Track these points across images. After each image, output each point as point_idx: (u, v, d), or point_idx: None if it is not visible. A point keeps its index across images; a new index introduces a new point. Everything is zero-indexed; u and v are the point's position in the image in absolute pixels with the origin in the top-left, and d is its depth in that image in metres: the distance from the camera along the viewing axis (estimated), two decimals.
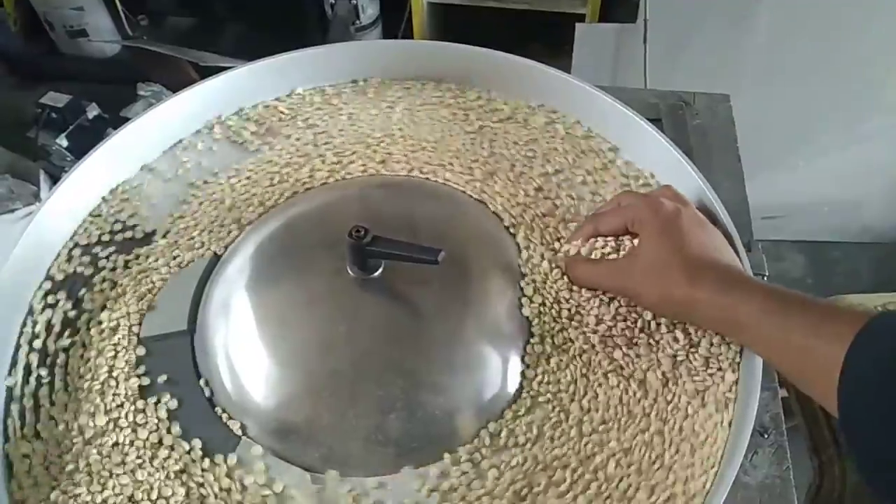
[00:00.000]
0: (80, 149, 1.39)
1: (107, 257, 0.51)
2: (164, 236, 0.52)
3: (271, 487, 0.41)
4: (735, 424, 0.44)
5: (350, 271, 0.45)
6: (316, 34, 1.47)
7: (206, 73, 1.41)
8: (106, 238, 0.53)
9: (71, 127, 1.36)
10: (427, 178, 0.54)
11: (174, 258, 0.50)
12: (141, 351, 0.46)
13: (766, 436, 0.66)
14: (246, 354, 0.45)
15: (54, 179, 1.42)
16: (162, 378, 0.45)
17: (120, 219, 0.54)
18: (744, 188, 0.79)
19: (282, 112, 0.60)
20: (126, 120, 1.51)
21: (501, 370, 0.45)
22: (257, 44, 0.65)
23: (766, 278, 0.51)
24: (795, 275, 1.38)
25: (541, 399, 0.43)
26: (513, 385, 0.44)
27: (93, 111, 1.40)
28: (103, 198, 0.56)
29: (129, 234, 0.53)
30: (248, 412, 0.44)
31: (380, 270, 0.46)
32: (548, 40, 1.34)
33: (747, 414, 0.42)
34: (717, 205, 0.49)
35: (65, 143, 1.35)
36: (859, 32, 1.19)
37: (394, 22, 1.44)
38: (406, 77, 0.63)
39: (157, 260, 0.50)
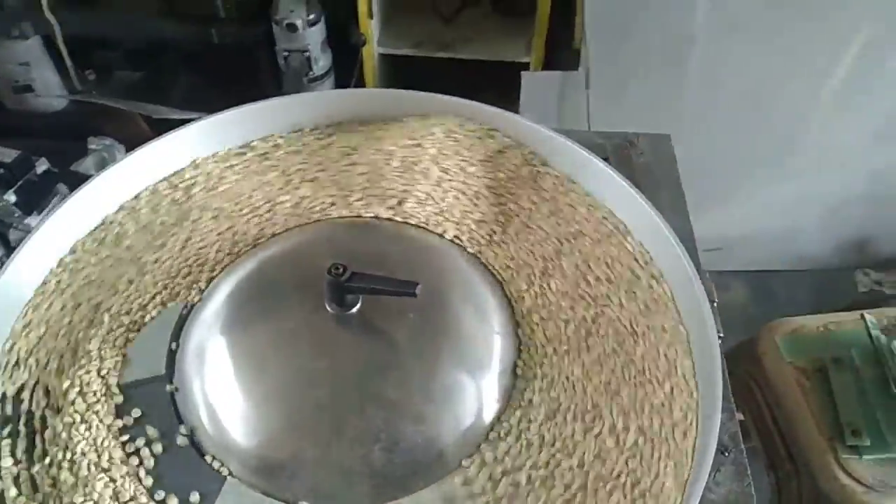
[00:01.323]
0: (29, 204, 1.36)
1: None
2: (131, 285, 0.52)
3: None
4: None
5: (328, 308, 0.47)
6: (269, 85, 1.49)
7: (159, 125, 1.41)
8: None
9: (20, 182, 1.34)
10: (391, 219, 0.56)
11: (144, 307, 0.51)
12: (118, 399, 0.46)
13: (726, 454, 0.69)
14: (226, 395, 0.46)
15: (1, 235, 1.39)
16: (140, 427, 0.45)
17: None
18: (689, 222, 0.83)
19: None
20: (77, 175, 1.49)
21: (479, 397, 0.46)
22: (209, 96, 0.65)
23: (715, 304, 0.54)
24: (739, 302, 1.44)
25: (522, 425, 0.45)
26: (491, 411, 0.46)
27: (42, 166, 1.38)
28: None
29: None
30: (231, 452, 0.44)
31: (357, 306, 0.47)
32: (495, 88, 1.39)
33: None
34: (672, 237, 0.53)
35: (13, 198, 1.32)
36: (786, 72, 1.28)
37: (346, 72, 1.48)
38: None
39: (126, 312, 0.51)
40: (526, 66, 1.44)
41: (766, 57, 1.27)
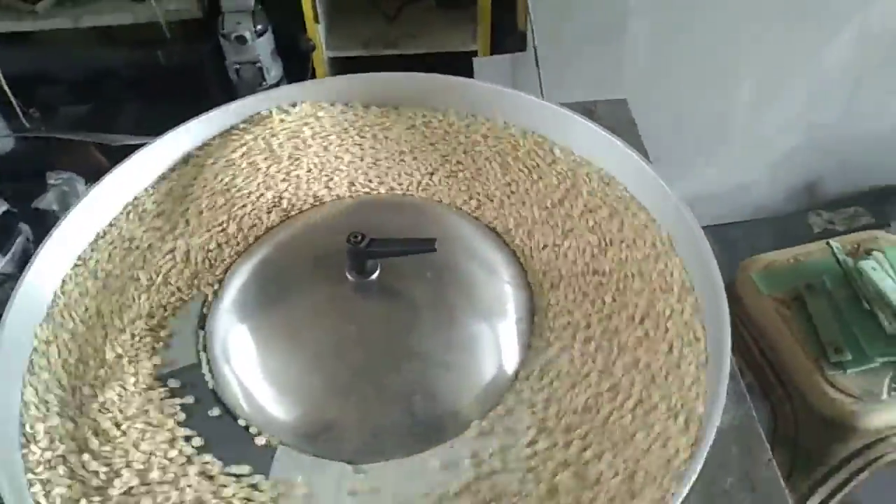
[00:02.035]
0: None
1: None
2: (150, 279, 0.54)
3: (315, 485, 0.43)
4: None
5: (349, 277, 0.49)
6: (221, 99, 1.49)
7: (114, 154, 1.40)
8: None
9: None
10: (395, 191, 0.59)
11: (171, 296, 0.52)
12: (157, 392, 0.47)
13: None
14: (263, 371, 0.47)
15: None
16: (183, 415, 0.46)
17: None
18: None
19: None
20: (38, 211, 1.46)
21: (499, 343, 0.49)
22: (160, 118, 0.67)
23: None
24: None
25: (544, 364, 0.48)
26: (513, 354, 0.49)
27: (1, 207, 1.36)
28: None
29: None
30: (275, 426, 0.46)
31: (376, 273, 0.49)
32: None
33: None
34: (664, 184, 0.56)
35: None
36: (719, 36, 1.35)
37: (297, 79, 1.49)
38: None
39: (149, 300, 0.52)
40: (474, 55, 1.47)
41: (703, 22, 1.34)
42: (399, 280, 0.50)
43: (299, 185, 0.59)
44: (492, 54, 1.48)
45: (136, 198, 0.59)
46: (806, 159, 1.58)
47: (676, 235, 0.56)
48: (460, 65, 1.44)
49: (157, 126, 0.65)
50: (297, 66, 1.50)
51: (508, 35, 1.46)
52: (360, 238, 0.47)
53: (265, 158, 0.59)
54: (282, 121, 0.62)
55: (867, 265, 0.87)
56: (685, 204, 0.55)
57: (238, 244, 0.55)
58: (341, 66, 1.53)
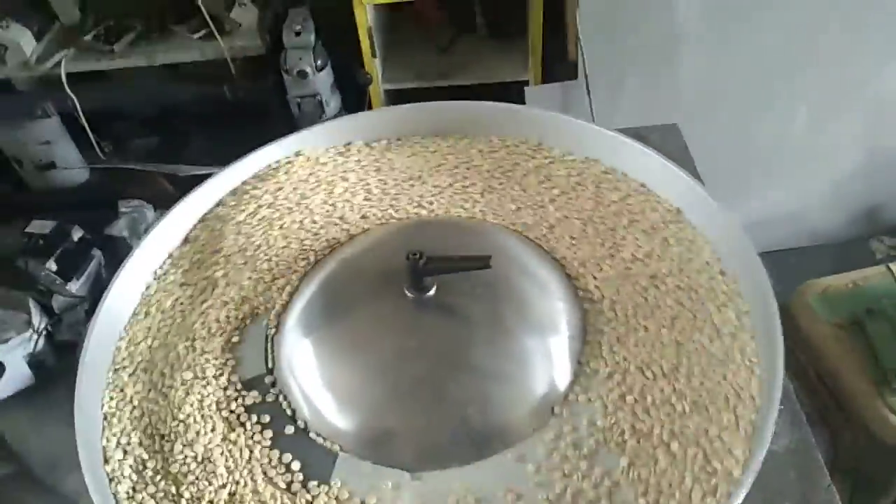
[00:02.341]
0: (68, 271, 1.42)
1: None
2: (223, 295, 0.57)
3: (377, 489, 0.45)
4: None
5: (408, 293, 0.51)
6: (284, 131, 1.55)
7: (182, 184, 1.47)
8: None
9: (58, 251, 1.40)
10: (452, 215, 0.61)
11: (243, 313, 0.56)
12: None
13: (781, 406, 0.72)
14: (326, 382, 0.50)
15: (43, 305, 1.44)
16: (254, 418, 0.49)
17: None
18: None
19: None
20: (111, 237, 1.55)
21: (552, 359, 0.51)
22: (226, 149, 0.71)
23: None
24: None
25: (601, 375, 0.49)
26: (566, 371, 0.50)
27: (77, 233, 1.44)
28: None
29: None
30: (338, 433, 0.48)
31: (433, 290, 0.52)
32: None
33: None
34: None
35: (53, 266, 1.38)
36: (779, 57, 1.34)
37: (355, 111, 1.55)
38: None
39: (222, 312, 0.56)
40: (526, 84, 1.50)
41: (759, 44, 1.34)
42: (455, 296, 0.52)
43: (362, 208, 0.63)
44: (543, 83, 1.51)
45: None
46: (867, 183, 1.55)
47: (725, 251, 0.57)
48: (513, 95, 1.47)
49: (223, 157, 0.70)
50: (354, 99, 1.56)
51: (559, 63, 1.49)
52: (418, 256, 0.49)
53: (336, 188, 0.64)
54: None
55: None
56: (735, 218, 0.56)
57: (306, 261, 0.59)
58: (396, 98, 1.59)
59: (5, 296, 1.42)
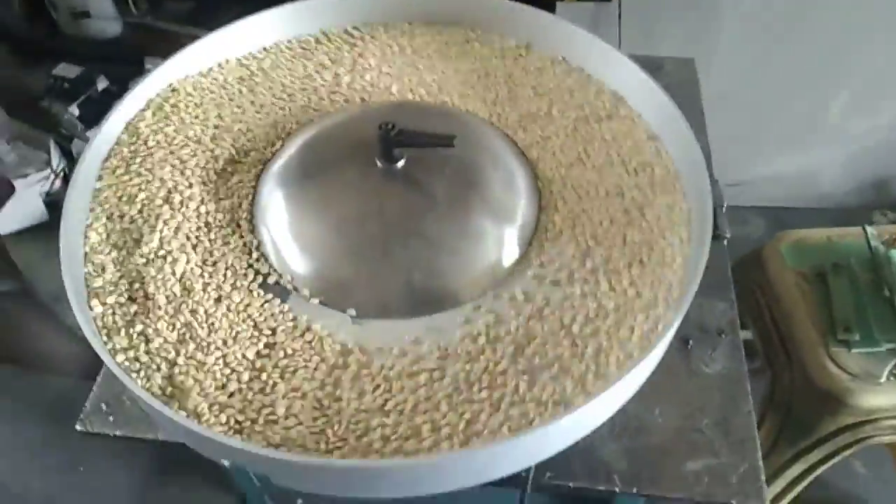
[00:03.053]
0: (90, 119, 1.47)
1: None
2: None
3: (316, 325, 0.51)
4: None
5: (378, 163, 0.55)
6: None
7: None
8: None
9: (82, 97, 1.44)
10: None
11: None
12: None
13: (722, 336, 0.77)
14: (294, 228, 0.55)
15: (63, 148, 1.50)
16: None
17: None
18: (707, 140, 0.90)
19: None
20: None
21: (503, 241, 0.55)
22: None
23: (726, 241, 0.57)
24: (755, 237, 1.50)
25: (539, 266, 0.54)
26: (513, 253, 0.54)
27: (102, 83, 1.48)
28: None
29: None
30: (298, 274, 0.53)
31: (402, 162, 0.55)
32: None
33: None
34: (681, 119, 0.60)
35: (76, 112, 1.43)
36: (824, 8, 1.32)
37: None
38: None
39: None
40: None
41: (809, 20, 1.31)
42: (422, 172, 0.56)
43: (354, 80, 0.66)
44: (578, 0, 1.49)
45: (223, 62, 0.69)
46: (883, 154, 1.54)
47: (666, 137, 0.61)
48: (545, 5, 1.46)
49: None
50: None
51: None
52: (390, 126, 0.53)
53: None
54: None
55: None
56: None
57: (289, 126, 0.63)
58: None
59: (27, 133, 1.48)
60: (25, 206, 1.43)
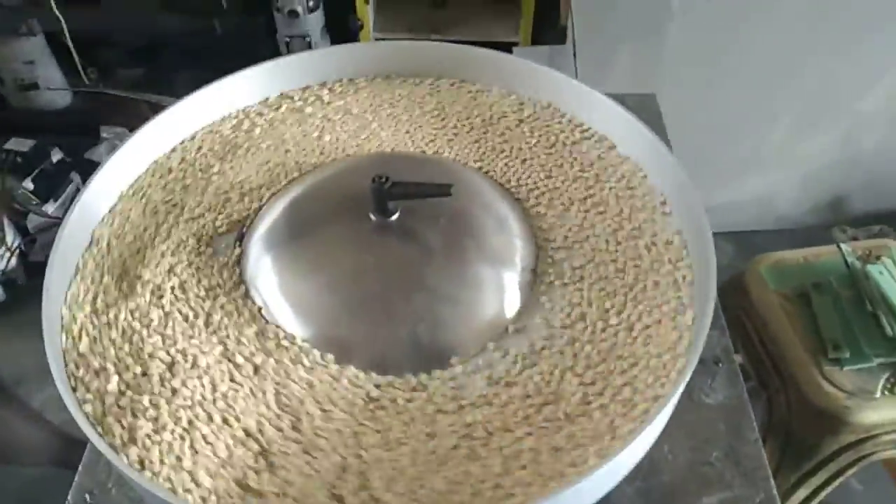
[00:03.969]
0: (45, 192, 1.43)
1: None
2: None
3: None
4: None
5: (372, 217, 0.54)
6: None
7: None
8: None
9: (36, 171, 1.40)
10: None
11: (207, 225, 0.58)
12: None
13: (719, 365, 0.76)
14: (288, 291, 0.53)
15: (17, 225, 1.45)
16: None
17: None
18: None
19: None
20: (91, 162, 1.55)
21: (504, 289, 0.54)
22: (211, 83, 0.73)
23: None
24: (724, 262, 1.52)
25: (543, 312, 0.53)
26: (515, 301, 0.53)
27: (56, 155, 1.44)
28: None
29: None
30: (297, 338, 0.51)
31: (397, 215, 0.54)
32: None
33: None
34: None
35: (31, 186, 1.38)
36: (762, 40, 1.37)
37: None
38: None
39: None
40: (516, 44, 1.51)
41: (743, 24, 1.36)
42: (417, 223, 0.55)
43: (337, 140, 0.65)
44: (533, 45, 1.52)
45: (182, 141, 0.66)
46: (834, 175, 1.59)
47: (675, 200, 0.60)
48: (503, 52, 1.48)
49: None
50: (343, 44, 1.56)
51: (550, 29, 1.50)
52: (384, 179, 0.52)
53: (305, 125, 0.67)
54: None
55: (875, 269, 0.89)
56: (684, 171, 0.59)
57: (275, 185, 0.61)
58: None
59: None
60: None
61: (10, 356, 1.11)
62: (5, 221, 1.41)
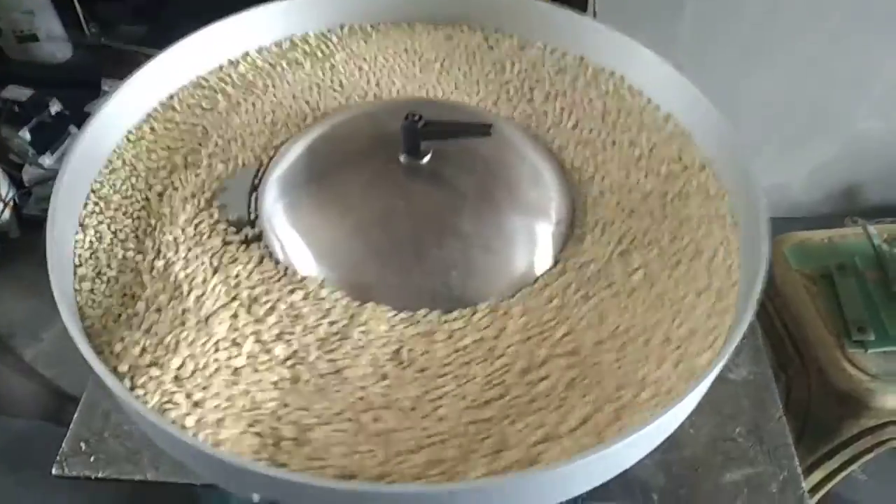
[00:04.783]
0: (43, 144, 1.38)
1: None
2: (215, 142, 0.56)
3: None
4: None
5: (402, 159, 0.50)
6: None
7: None
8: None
9: (34, 121, 1.35)
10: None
11: (228, 159, 0.54)
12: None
13: (744, 340, 0.74)
14: (313, 231, 0.49)
15: (12, 177, 1.41)
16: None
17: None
18: None
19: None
20: (89, 115, 1.50)
21: (538, 240, 0.50)
22: None
23: None
24: None
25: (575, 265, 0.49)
26: (548, 253, 0.50)
27: (55, 107, 1.40)
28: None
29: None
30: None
31: (427, 158, 0.51)
32: None
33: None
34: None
35: (28, 136, 1.34)
36: (784, 18, 1.33)
37: None
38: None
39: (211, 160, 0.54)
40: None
41: (766, 6, 1.33)
42: (449, 168, 0.51)
43: (359, 86, 0.62)
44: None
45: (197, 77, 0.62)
46: (848, 165, 1.56)
47: (718, 159, 0.57)
48: None
49: None
50: None
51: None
52: (417, 118, 0.48)
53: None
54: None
55: None
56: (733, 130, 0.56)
57: (292, 128, 0.58)
58: None
59: None
60: None
61: (2, 311, 1.08)
62: (0, 172, 1.37)
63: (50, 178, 1.38)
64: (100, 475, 0.62)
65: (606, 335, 0.46)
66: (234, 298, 0.45)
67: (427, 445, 0.39)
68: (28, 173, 1.38)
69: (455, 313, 0.45)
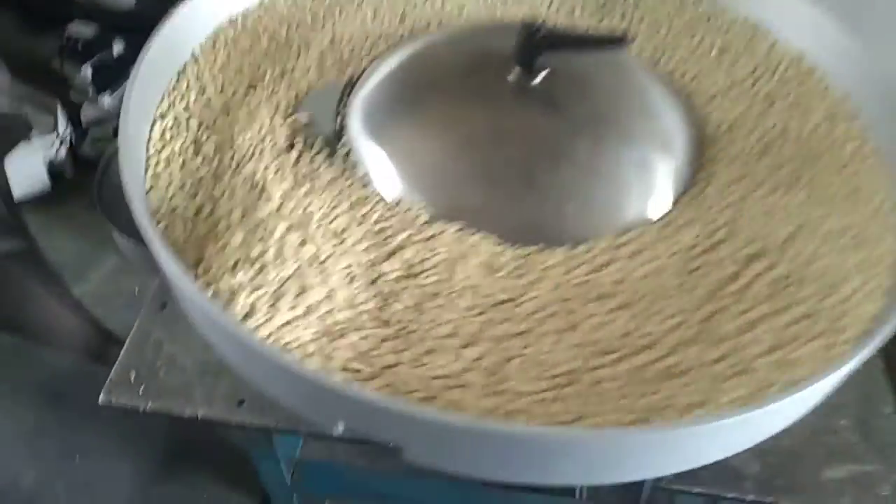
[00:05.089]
0: (103, 83, 1.35)
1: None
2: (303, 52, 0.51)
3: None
4: None
5: (511, 77, 0.45)
6: None
7: None
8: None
9: (96, 58, 1.33)
10: None
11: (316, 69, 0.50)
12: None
13: None
14: (408, 149, 0.44)
15: (72, 112, 1.38)
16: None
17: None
18: None
19: None
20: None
21: (662, 174, 0.44)
22: None
23: None
24: None
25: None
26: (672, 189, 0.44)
27: (119, 45, 1.37)
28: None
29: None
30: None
31: (540, 77, 0.45)
32: None
33: None
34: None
35: (89, 73, 1.31)
36: None
37: None
38: None
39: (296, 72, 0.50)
40: None
41: None
42: (563, 92, 0.45)
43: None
44: None
45: None
46: None
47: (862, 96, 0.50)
48: None
49: None
50: None
51: None
52: (535, 27, 0.43)
53: None
54: None
55: None
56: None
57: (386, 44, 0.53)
58: None
59: (34, 95, 1.36)
60: (29, 173, 1.30)
61: (49, 250, 1.05)
62: (59, 109, 1.34)
63: (108, 119, 1.36)
64: (148, 407, 0.57)
65: None
66: (322, 218, 0.40)
67: None
68: (86, 113, 1.36)
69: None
